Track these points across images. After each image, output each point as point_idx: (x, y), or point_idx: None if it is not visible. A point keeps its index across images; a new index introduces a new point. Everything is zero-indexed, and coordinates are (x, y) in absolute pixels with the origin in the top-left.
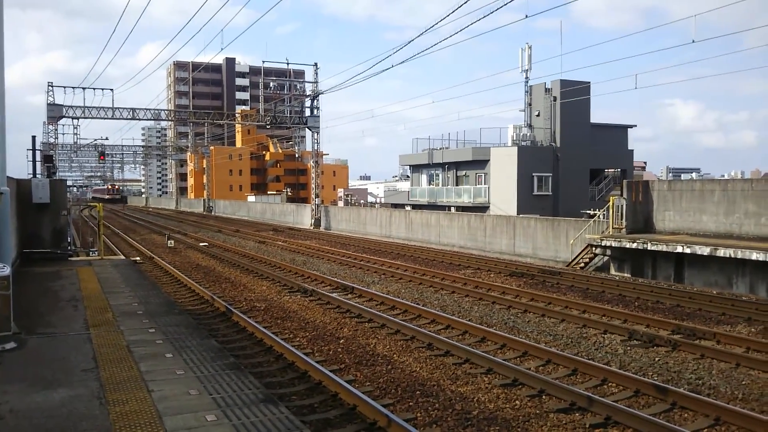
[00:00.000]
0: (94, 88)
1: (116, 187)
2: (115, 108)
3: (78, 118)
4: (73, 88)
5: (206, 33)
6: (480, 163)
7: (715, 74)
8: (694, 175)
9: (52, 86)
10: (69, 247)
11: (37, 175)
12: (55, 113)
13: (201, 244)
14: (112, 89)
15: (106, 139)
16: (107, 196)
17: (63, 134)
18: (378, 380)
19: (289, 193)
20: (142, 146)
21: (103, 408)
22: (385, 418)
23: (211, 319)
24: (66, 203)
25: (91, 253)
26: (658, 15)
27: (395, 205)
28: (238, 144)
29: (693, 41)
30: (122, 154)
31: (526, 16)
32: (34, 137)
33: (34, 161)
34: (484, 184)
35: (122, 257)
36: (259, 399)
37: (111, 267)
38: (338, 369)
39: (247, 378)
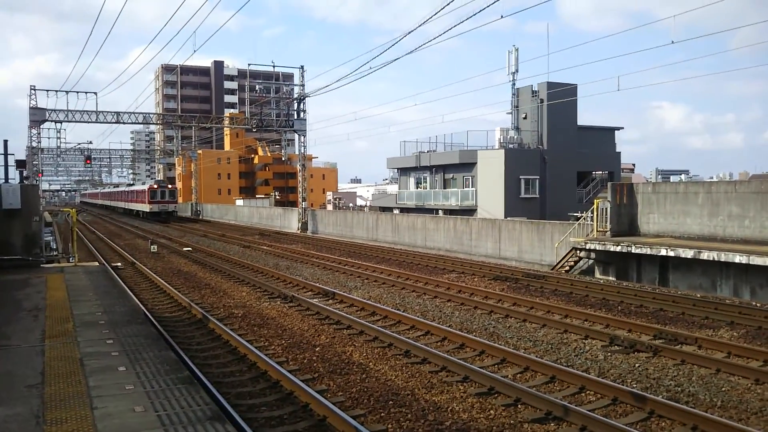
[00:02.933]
0: (77, 92)
1: (170, 187)
2: (100, 112)
3: (61, 122)
4: (56, 91)
5: (195, 36)
6: (467, 166)
7: (701, 75)
8: (683, 177)
9: (34, 89)
10: (41, 254)
11: (10, 180)
12: (38, 117)
13: (185, 248)
14: (95, 92)
15: (90, 143)
16: (149, 208)
17: (48, 138)
18: (351, 390)
19: (277, 197)
20: (130, 150)
21: (39, 428)
22: (354, 430)
23: (186, 326)
24: (38, 209)
25: (71, 259)
26: (646, 18)
27: (383, 209)
28: (227, 147)
29: (672, 42)
30: (109, 157)
31: (501, 17)
32: (6, 141)
33: (6, 166)
34: (472, 187)
35: (96, 264)
36: (207, 416)
37: (83, 274)
38: (311, 378)
39: (199, 393)
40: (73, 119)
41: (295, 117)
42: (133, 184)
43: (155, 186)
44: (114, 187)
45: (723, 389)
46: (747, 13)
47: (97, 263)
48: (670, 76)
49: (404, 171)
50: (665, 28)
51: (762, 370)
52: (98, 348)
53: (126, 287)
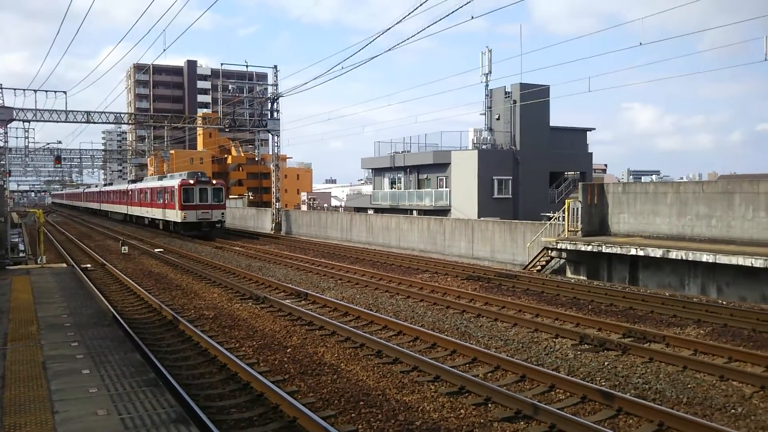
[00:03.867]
0: (46, 91)
1: (215, 183)
2: (69, 111)
3: (29, 121)
4: (23, 90)
5: (165, 35)
6: (441, 166)
7: (669, 77)
8: (654, 177)
9: (1, 88)
10: (7, 256)
11: None
12: (5, 116)
13: (156, 250)
14: (65, 92)
15: (60, 142)
16: (182, 216)
17: (16, 138)
18: (322, 390)
19: (251, 197)
20: (101, 150)
21: None
22: (324, 431)
23: (156, 328)
24: (4, 210)
25: (38, 260)
26: (617, 21)
27: (358, 209)
28: (200, 147)
29: (641, 44)
30: (80, 157)
31: (472, 17)
32: None
33: None
34: (446, 187)
35: (64, 265)
36: (171, 419)
37: (50, 276)
38: (282, 380)
39: (164, 395)
40: (42, 118)
41: (269, 117)
42: (139, 180)
43: (191, 181)
44: (105, 184)
45: (689, 386)
46: (714, 17)
47: (65, 265)
48: (640, 77)
49: (379, 171)
50: (635, 30)
51: (726, 366)
52: (62, 351)
53: (94, 289)
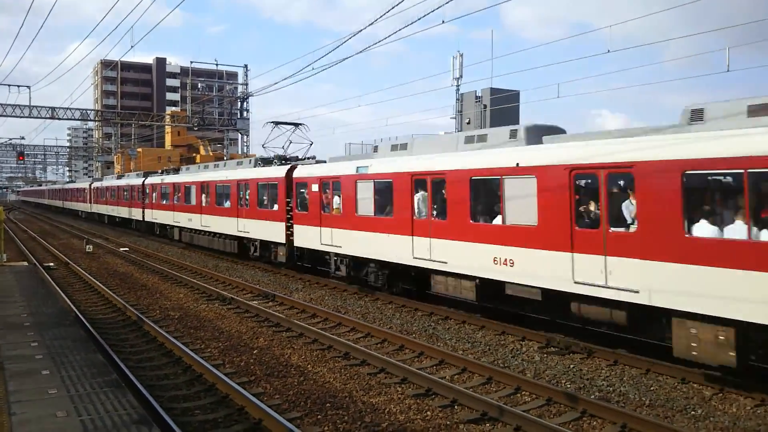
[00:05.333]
0: (8, 85)
1: None
2: (33, 106)
3: None
4: None
5: (133, 32)
6: None
7: (635, 85)
8: None
9: None
10: None
11: None
12: None
13: (122, 249)
14: (29, 86)
15: (22, 138)
16: None
17: None
18: (288, 392)
19: None
20: (66, 147)
21: None
22: None
23: (120, 328)
24: None
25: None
26: (585, 29)
27: None
28: (168, 146)
29: (608, 51)
30: (44, 154)
31: (443, 22)
32: None
33: None
34: None
35: (25, 263)
36: (133, 420)
37: (10, 274)
38: (247, 381)
39: (126, 396)
40: (4, 113)
41: (238, 116)
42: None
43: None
44: (163, 171)
45: (652, 388)
46: (678, 28)
47: (26, 263)
48: (607, 85)
49: None
50: (603, 38)
51: (688, 369)
52: (21, 351)
53: (57, 288)
